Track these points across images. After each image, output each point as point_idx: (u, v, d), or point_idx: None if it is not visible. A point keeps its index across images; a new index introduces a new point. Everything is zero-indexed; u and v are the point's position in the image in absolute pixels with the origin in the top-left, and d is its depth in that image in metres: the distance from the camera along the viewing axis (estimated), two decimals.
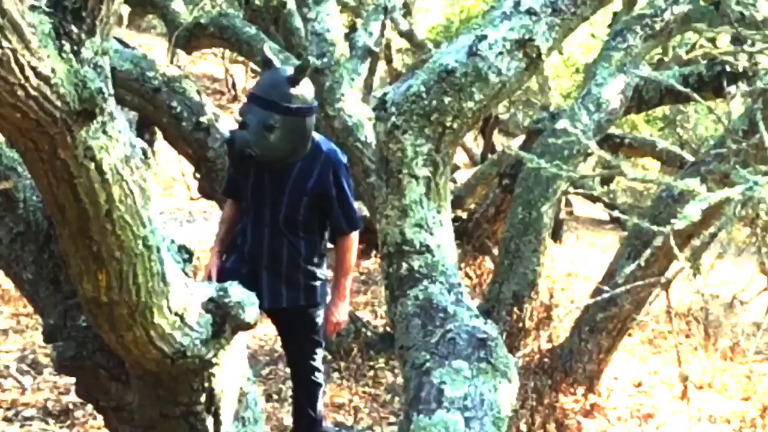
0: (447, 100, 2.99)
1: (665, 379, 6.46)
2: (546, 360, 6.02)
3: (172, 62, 8.32)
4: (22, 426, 5.00)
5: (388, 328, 6.37)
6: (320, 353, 4.48)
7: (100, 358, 3.04)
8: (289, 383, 4.78)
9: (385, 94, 3.12)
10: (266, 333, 6.43)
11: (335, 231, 4.26)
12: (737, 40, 5.31)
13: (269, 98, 3.98)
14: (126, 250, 2.34)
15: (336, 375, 5.85)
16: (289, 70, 4.07)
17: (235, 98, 16.76)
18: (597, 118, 6.06)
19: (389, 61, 14.61)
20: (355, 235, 4.28)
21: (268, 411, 5.23)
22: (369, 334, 6.28)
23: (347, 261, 4.29)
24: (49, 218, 2.99)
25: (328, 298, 4.36)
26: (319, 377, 4.47)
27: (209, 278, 4.10)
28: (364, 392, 5.70)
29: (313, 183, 4.12)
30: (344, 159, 4.27)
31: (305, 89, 4.07)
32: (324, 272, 4.35)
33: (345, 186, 4.19)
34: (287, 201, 4.13)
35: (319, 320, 4.36)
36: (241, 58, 12.85)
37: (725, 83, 5.36)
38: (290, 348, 4.51)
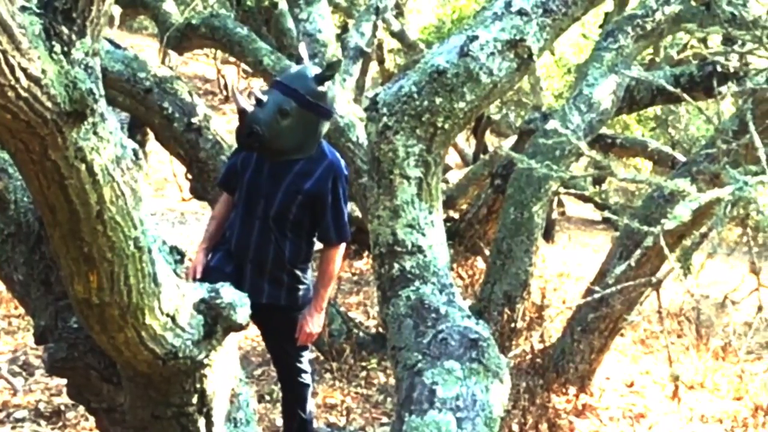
0: (438, 100, 2.99)
1: (657, 379, 6.47)
2: (538, 360, 6.03)
3: (163, 63, 8.31)
4: (13, 428, 5.00)
5: (380, 329, 6.37)
6: (306, 355, 4.46)
7: (92, 359, 3.04)
8: None
9: (376, 95, 3.13)
10: (258, 334, 6.42)
11: (323, 240, 4.24)
12: (728, 40, 5.33)
13: (292, 86, 4.02)
14: (117, 251, 2.33)
15: (328, 376, 5.85)
16: (317, 69, 4.13)
17: (226, 99, 16.74)
18: (588, 118, 6.07)
19: (381, 61, 14.62)
20: (341, 247, 4.26)
21: (260, 412, 5.22)
22: (361, 334, 6.28)
23: (330, 271, 4.25)
24: (40, 219, 2.99)
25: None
26: (306, 378, 4.45)
27: (194, 276, 4.07)
28: (356, 393, 5.70)
29: (311, 185, 4.11)
30: (346, 171, 4.28)
31: (328, 92, 4.11)
32: (309, 279, 4.34)
33: (341, 196, 4.18)
34: (281, 197, 4.11)
35: None
36: (232, 59, 12.85)
37: (716, 83, 5.37)
38: (274, 350, 4.50)
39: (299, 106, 3.99)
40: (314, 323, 4.24)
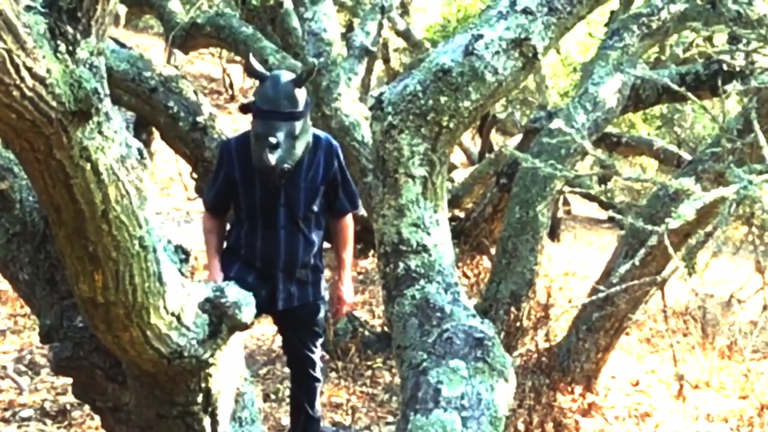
0: (443, 99, 2.99)
1: (663, 378, 6.46)
2: (544, 359, 6.02)
3: (168, 62, 8.32)
4: (19, 426, 5.00)
5: (385, 328, 6.37)
6: (319, 346, 4.48)
7: (97, 358, 3.05)
8: (287, 383, 4.78)
9: (381, 94, 3.13)
10: (264, 333, 6.44)
11: (338, 212, 4.33)
12: (734, 38, 5.32)
13: (287, 110, 3.98)
14: (122, 250, 2.34)
15: (334, 375, 5.85)
16: (286, 75, 4.09)
17: (232, 98, 16.75)
18: (594, 116, 6.06)
19: (386, 60, 14.64)
20: (351, 215, 4.41)
21: (265, 411, 5.23)
22: (366, 333, 6.28)
23: (349, 238, 4.39)
24: (45, 219, 3.00)
25: (325, 292, 4.42)
26: (318, 373, 4.47)
27: None
28: (361, 392, 5.70)
29: (324, 172, 4.19)
30: (336, 142, 4.39)
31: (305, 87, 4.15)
32: (323, 265, 4.45)
33: (345, 168, 4.31)
34: (304, 197, 4.17)
35: (321, 313, 4.41)
36: (238, 58, 12.87)
37: (721, 82, 5.37)
38: (292, 342, 4.48)
39: (300, 121, 4.02)
40: (348, 292, 4.42)
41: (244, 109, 4.14)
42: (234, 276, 4.10)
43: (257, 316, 4.27)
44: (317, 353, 4.46)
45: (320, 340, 4.49)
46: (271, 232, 4.17)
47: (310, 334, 4.40)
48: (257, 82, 4.16)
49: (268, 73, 4.14)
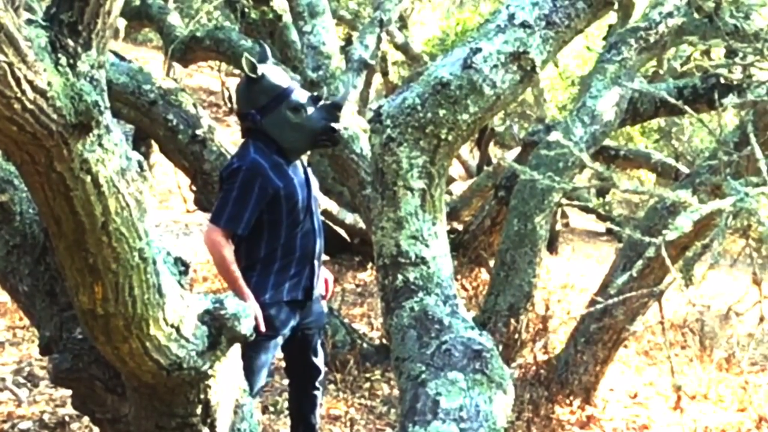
0: (442, 112, 3.01)
1: (661, 391, 6.46)
2: (542, 371, 6.03)
3: (168, 75, 8.35)
4: None
5: (384, 340, 6.37)
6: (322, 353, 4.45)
7: (96, 370, 3.06)
8: (286, 395, 4.77)
9: (380, 107, 3.14)
10: None
11: None
12: (731, 52, 5.34)
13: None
14: (122, 262, 2.35)
15: (332, 387, 5.85)
16: (260, 65, 4.08)
17: (231, 111, 16.75)
18: (592, 130, 6.07)
19: (385, 73, 14.66)
20: None
21: (264, 423, 5.22)
22: (365, 345, 6.28)
23: None
24: (45, 231, 3.01)
25: None
26: (319, 383, 4.41)
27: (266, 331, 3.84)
28: (360, 404, 5.70)
29: None
30: None
31: None
32: None
33: None
34: (313, 176, 4.19)
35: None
36: (237, 71, 12.89)
37: (718, 95, 5.37)
38: (301, 347, 4.30)
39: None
40: (325, 270, 4.36)
41: (267, 107, 3.98)
42: (270, 302, 3.96)
43: (293, 331, 4.23)
44: (321, 357, 4.39)
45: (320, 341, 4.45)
46: (309, 222, 4.05)
47: (319, 333, 4.34)
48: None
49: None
